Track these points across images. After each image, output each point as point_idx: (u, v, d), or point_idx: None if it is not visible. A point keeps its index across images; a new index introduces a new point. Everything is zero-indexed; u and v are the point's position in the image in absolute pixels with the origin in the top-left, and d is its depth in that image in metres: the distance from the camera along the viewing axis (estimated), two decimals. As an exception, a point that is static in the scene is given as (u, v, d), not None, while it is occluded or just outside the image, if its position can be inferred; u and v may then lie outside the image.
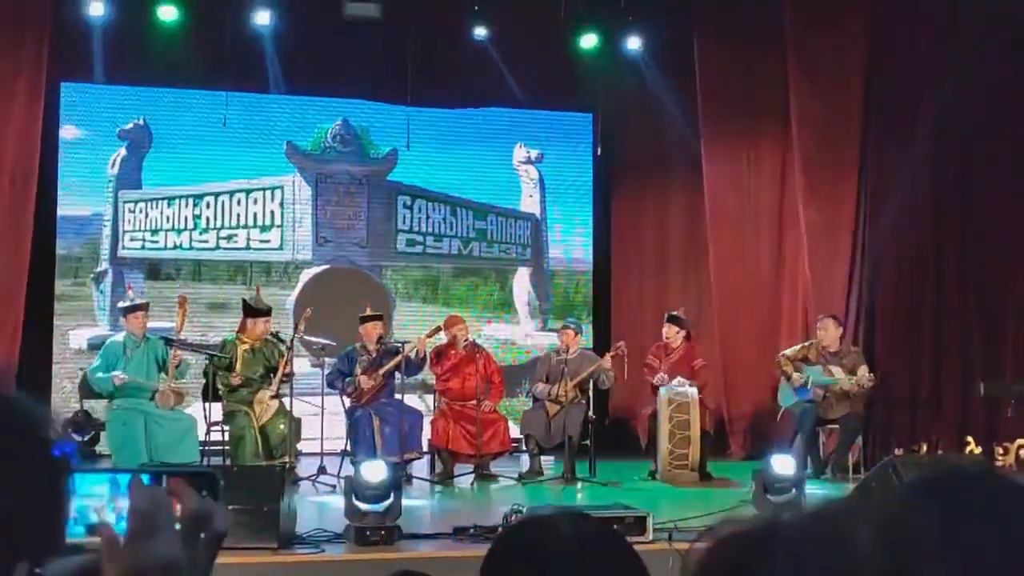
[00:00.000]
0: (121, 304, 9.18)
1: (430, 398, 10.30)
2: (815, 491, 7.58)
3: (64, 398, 10.62)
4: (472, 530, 6.15)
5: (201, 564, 1.17)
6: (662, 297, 11.82)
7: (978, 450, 9.41)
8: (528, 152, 12.41)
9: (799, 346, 9.72)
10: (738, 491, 7.70)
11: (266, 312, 8.98)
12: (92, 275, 11.19)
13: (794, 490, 6.55)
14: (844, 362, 9.39)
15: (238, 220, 11.61)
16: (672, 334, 9.70)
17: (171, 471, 1.27)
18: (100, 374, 8.51)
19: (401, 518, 6.16)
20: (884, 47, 10.43)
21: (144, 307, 8.79)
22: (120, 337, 8.80)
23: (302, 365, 9.96)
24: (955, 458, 8.74)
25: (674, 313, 9.88)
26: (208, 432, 8.57)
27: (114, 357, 8.54)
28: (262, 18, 10.73)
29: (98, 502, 1.22)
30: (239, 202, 11.62)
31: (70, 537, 1.19)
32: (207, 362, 8.78)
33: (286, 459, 8.33)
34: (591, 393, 9.76)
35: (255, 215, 11.66)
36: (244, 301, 9.27)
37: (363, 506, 6.04)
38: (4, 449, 1.13)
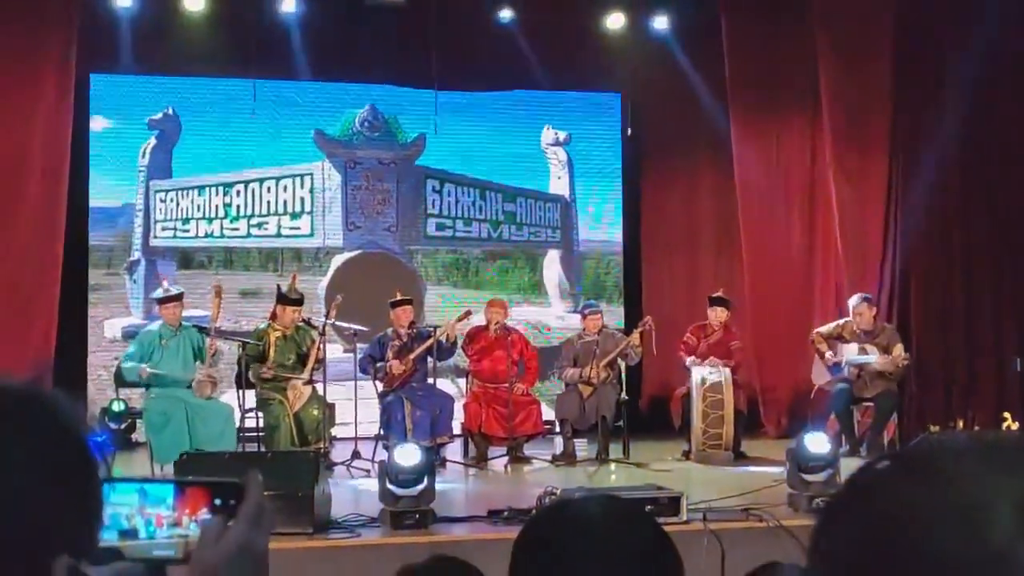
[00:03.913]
0: (154, 295, 9.25)
1: (462, 382, 10.33)
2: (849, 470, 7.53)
3: (99, 387, 10.73)
4: (506, 513, 6.17)
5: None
6: (693, 278, 11.79)
7: (1015, 426, 9.33)
8: (556, 134, 12.38)
9: (833, 324, 9.67)
10: (772, 470, 7.68)
11: (296, 301, 9.00)
12: (125, 265, 11.28)
13: (829, 469, 6.51)
14: (878, 340, 9.34)
15: (268, 207, 11.66)
16: (722, 316, 9.69)
17: (191, 482, 1.30)
18: (130, 364, 8.57)
19: (435, 501, 6.18)
20: (911, 21, 10.33)
21: (178, 298, 8.83)
22: (156, 326, 8.86)
23: (334, 351, 10.00)
24: (992, 435, 8.66)
25: (719, 295, 9.85)
26: (243, 419, 8.62)
27: (149, 346, 8.59)
28: (288, 5, 10.76)
29: (128, 509, 1.27)
30: (269, 189, 11.66)
31: (104, 541, 1.23)
32: (240, 350, 8.83)
33: (320, 444, 8.37)
34: (623, 374, 9.76)
35: (285, 202, 11.71)
36: (278, 287, 9.32)
37: (397, 490, 6.07)
38: (41, 446, 1.15)
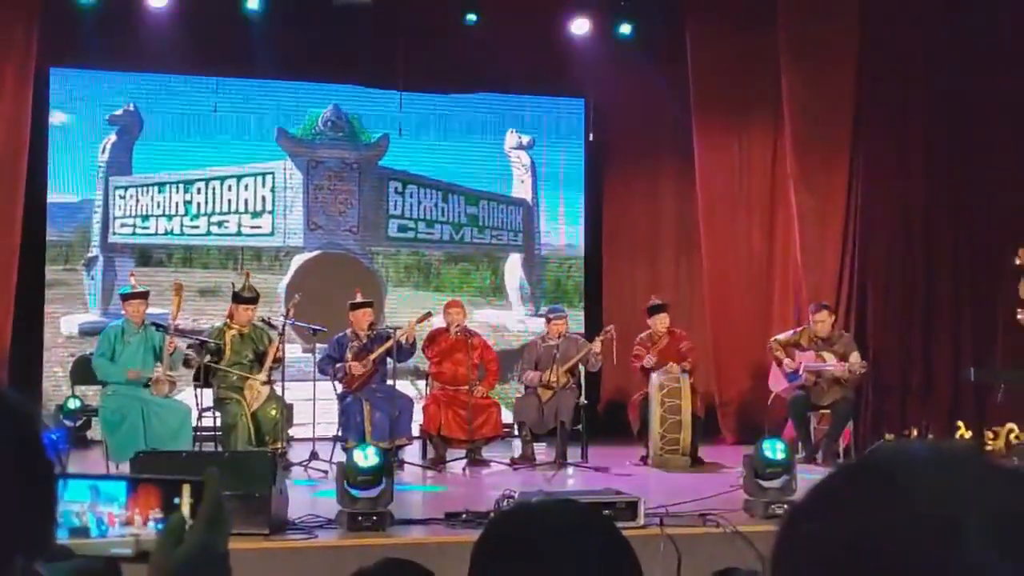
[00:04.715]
0: (121, 290, 9.18)
1: (422, 383, 10.31)
2: (806, 476, 7.59)
3: (54, 384, 10.62)
4: (464, 515, 6.16)
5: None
6: (653, 282, 11.83)
7: (968, 435, 9.43)
8: (520, 138, 12.40)
9: (791, 332, 9.73)
10: (729, 476, 7.72)
11: (250, 299, 8.93)
12: (83, 261, 11.17)
13: (785, 475, 6.56)
14: (835, 348, 9.41)
15: (229, 206, 11.59)
16: (665, 321, 9.72)
17: (145, 479, 1.29)
18: (108, 365, 8.43)
19: (393, 504, 6.16)
20: (876, 30, 10.42)
21: (143, 295, 8.75)
22: (118, 322, 8.78)
23: (293, 351, 9.95)
24: (947, 444, 8.75)
25: (656, 303, 9.85)
26: (200, 418, 8.56)
27: (113, 342, 8.51)
28: (253, 3, 10.70)
29: (80, 507, 1.26)
30: (230, 188, 11.60)
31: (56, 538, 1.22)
32: (186, 352, 8.71)
33: (278, 445, 8.33)
34: (582, 379, 9.78)
35: (246, 201, 11.64)
36: (233, 286, 9.27)
37: (355, 492, 6.04)
38: None
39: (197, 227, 11.51)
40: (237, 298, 8.92)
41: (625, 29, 11.55)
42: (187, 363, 8.68)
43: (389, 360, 9.13)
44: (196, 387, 8.75)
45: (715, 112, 11.10)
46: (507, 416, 9.76)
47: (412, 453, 9.33)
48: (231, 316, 8.94)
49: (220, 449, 8.28)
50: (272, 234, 11.71)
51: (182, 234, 11.49)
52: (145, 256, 11.37)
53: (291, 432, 9.09)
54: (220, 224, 11.57)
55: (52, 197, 11.00)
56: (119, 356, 8.43)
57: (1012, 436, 9.15)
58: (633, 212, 12.31)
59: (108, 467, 7.91)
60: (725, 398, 11.11)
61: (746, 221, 11.26)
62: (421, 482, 8.63)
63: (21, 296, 9.97)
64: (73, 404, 9.90)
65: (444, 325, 9.53)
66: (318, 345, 9.42)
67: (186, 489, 1.26)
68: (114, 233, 11.28)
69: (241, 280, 9.26)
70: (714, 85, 11.03)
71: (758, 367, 10.47)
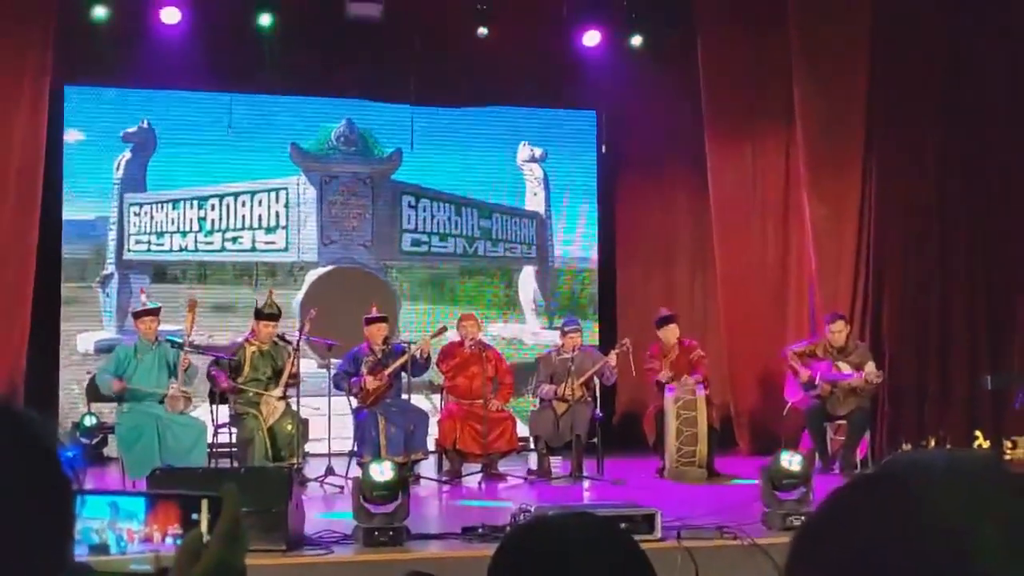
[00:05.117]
0: (132, 308, 9.21)
1: (437, 397, 10.30)
2: (823, 487, 7.56)
3: (71, 401, 10.64)
4: (480, 530, 6.15)
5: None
6: (668, 293, 11.81)
7: (986, 444, 9.39)
8: (532, 150, 12.41)
9: (806, 342, 9.71)
10: (746, 488, 7.69)
11: (270, 316, 8.94)
12: (98, 278, 11.21)
13: (802, 487, 6.53)
14: (851, 358, 9.38)
15: (243, 222, 11.62)
16: (675, 332, 9.66)
17: (164, 495, 1.29)
18: (106, 376, 8.50)
19: (409, 518, 6.15)
20: (887, 38, 10.41)
21: (154, 312, 8.77)
22: (132, 341, 8.80)
23: (308, 366, 9.96)
24: (964, 453, 8.71)
25: (665, 315, 9.80)
26: (215, 434, 8.57)
27: (125, 360, 8.53)
28: (265, 19, 10.74)
29: (99, 523, 1.25)
30: (244, 204, 11.63)
31: (75, 556, 1.22)
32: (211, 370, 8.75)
33: (294, 460, 8.33)
34: (597, 391, 9.75)
35: (260, 216, 11.67)
36: (256, 302, 9.31)
37: (371, 507, 6.04)
38: (12, 462, 1.14)
39: (211, 243, 11.55)
40: (259, 314, 8.94)
41: (636, 41, 11.55)
42: (213, 381, 8.70)
43: (404, 374, 9.13)
44: (212, 403, 8.78)
45: (727, 120, 11.08)
46: (523, 430, 9.74)
47: (428, 467, 9.32)
48: (252, 332, 8.98)
49: (236, 465, 8.29)
50: (286, 249, 11.74)
51: (196, 250, 11.52)
52: (160, 273, 11.40)
53: (307, 447, 9.09)
54: (234, 240, 11.60)
55: (67, 214, 11.05)
56: (133, 373, 8.44)
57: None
58: (647, 223, 12.29)
59: (125, 484, 7.92)
60: (741, 409, 11.07)
61: (760, 229, 11.23)
62: (437, 496, 8.62)
63: (37, 313, 10.00)
64: (89, 421, 9.94)
65: (458, 339, 9.53)
66: (333, 360, 9.42)
67: (204, 505, 1.26)
68: (129, 250, 11.32)
69: (264, 297, 9.29)
70: (726, 93, 11.01)
71: (774, 378, 10.43)
